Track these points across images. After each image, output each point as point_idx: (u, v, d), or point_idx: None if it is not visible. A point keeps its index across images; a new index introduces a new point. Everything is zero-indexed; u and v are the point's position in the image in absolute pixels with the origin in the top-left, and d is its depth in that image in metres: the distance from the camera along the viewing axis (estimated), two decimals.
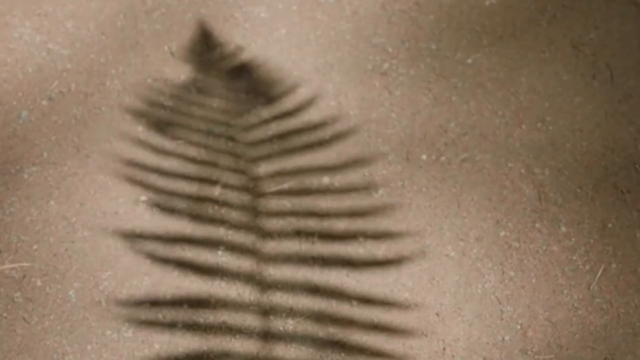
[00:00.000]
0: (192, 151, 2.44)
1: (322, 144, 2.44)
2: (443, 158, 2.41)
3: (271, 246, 2.30)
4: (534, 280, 2.24)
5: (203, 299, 2.23)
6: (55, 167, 2.42)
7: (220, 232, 2.32)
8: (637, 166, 2.39)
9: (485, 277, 2.24)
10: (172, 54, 2.59)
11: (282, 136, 2.46)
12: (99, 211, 2.36)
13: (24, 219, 2.35)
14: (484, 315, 2.19)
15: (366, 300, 2.22)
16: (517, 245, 2.28)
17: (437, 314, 2.20)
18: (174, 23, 2.64)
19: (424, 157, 2.42)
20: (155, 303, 2.23)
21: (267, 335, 2.17)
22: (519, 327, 2.18)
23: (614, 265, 2.25)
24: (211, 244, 2.31)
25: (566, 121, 2.46)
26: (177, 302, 2.23)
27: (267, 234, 2.32)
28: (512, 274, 2.25)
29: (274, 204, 2.35)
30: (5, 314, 2.22)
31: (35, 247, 2.31)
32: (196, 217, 2.34)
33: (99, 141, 2.46)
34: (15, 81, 2.56)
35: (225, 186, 2.38)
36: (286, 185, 2.37)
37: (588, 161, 2.40)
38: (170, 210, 2.35)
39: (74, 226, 2.34)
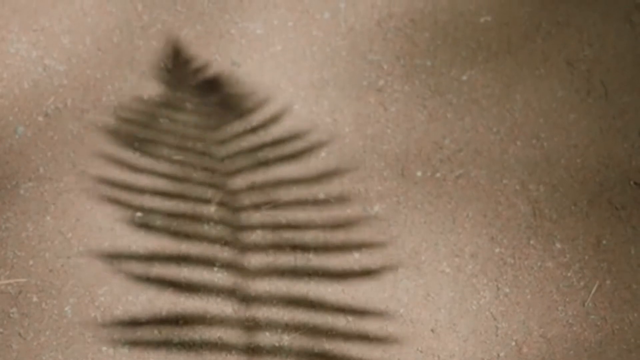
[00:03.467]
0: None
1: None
2: (438, 174, 2.42)
3: (261, 260, 2.30)
4: (528, 296, 2.24)
5: (198, 316, 2.23)
6: (51, 183, 2.43)
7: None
8: (631, 182, 2.40)
9: (480, 294, 2.25)
10: (168, 70, 2.60)
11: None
12: (95, 227, 2.36)
13: (20, 234, 2.35)
14: (479, 331, 2.20)
15: (361, 316, 2.23)
16: (512, 261, 2.29)
17: (432, 330, 2.20)
18: (170, 39, 2.65)
19: (419, 173, 2.43)
20: (152, 319, 2.23)
21: (258, 350, 2.17)
22: (513, 343, 2.18)
23: (608, 282, 2.26)
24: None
25: (561, 137, 2.47)
26: (172, 319, 2.23)
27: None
28: (507, 290, 2.25)
29: (267, 218, 2.36)
30: (1, 330, 2.22)
31: (31, 262, 2.31)
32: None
33: (95, 157, 2.46)
34: (12, 96, 2.56)
35: (219, 203, 2.39)
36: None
37: (583, 177, 2.41)
38: (158, 228, 2.35)
39: (70, 242, 2.34)
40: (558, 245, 2.31)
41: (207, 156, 2.46)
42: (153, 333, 2.21)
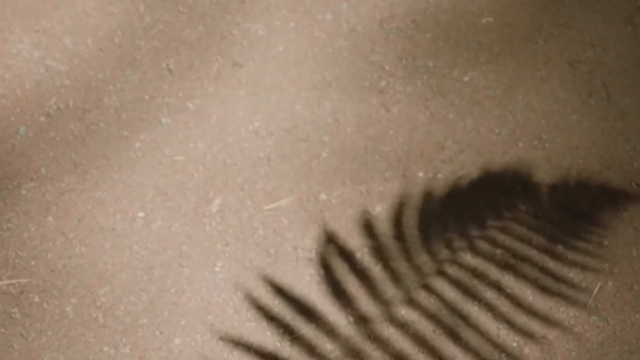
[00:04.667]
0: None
1: None
2: (440, 175, 2.42)
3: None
4: (530, 297, 2.24)
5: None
6: (53, 183, 2.43)
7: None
8: (633, 184, 2.40)
9: (482, 295, 2.25)
10: (169, 71, 2.60)
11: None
12: (96, 227, 2.36)
13: (22, 234, 2.35)
14: (481, 333, 2.20)
15: None
16: (514, 262, 2.29)
17: (433, 332, 2.20)
18: (171, 40, 2.65)
19: (420, 174, 2.43)
20: (154, 319, 2.23)
21: None
22: (515, 344, 2.18)
23: (610, 283, 2.26)
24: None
25: (563, 139, 2.47)
26: (174, 319, 2.23)
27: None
28: (509, 291, 2.25)
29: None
30: (2, 330, 2.22)
31: (32, 262, 2.31)
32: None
33: (96, 157, 2.46)
34: (14, 97, 2.56)
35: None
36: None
37: (585, 179, 2.41)
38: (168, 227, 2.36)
39: (72, 242, 2.34)
40: (560, 247, 2.31)
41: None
42: (155, 333, 2.21)
